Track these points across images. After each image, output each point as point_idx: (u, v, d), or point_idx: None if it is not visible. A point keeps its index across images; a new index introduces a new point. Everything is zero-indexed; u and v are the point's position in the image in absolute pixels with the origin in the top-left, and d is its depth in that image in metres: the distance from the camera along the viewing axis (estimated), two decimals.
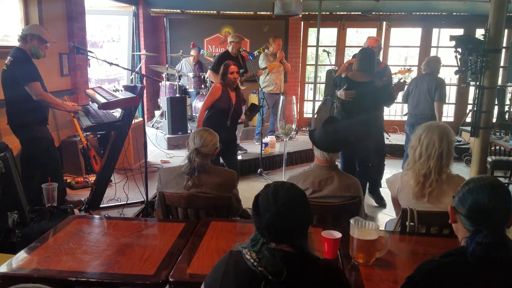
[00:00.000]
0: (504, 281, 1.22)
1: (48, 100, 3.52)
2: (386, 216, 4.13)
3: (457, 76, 6.41)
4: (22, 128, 3.55)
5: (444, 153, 2.19)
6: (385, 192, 5.08)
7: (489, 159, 4.64)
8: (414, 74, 7.41)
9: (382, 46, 5.56)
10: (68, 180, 4.39)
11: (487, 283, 1.22)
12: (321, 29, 6.37)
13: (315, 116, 6.70)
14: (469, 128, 4.40)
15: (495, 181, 1.34)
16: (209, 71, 5.52)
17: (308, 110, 8.42)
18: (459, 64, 5.02)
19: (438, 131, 2.22)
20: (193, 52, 7.00)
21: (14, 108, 3.51)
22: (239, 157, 5.62)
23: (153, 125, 6.80)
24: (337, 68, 7.53)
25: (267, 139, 6.04)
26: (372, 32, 8.09)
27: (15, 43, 3.63)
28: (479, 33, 7.05)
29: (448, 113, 8.39)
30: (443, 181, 2.21)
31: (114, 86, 4.12)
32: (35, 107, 3.48)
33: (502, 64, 5.89)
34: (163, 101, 6.45)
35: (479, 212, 1.29)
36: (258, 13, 7.67)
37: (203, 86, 6.78)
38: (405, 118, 5.28)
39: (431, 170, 2.20)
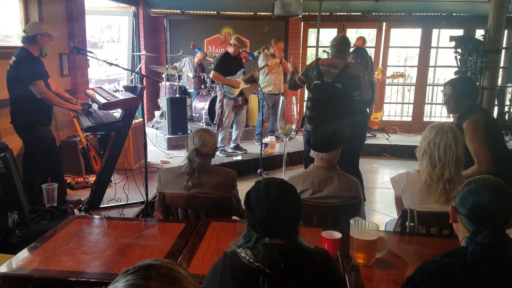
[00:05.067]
0: (504, 281, 1.22)
1: (50, 98, 3.54)
2: (386, 217, 4.13)
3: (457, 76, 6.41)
4: (25, 127, 3.57)
5: (460, 156, 2.17)
6: (382, 196, 5.09)
7: None
8: (409, 77, 7.40)
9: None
10: (68, 181, 4.38)
11: (487, 283, 1.22)
12: (321, 30, 6.38)
13: None
14: None
15: (496, 181, 1.34)
16: (213, 72, 5.44)
17: None
18: (459, 65, 5.02)
19: (452, 134, 2.18)
20: (199, 55, 7.00)
21: (18, 107, 3.53)
22: (239, 158, 5.62)
23: (153, 126, 6.80)
24: None
25: (267, 139, 6.05)
26: (372, 32, 8.10)
27: (16, 43, 3.63)
28: (479, 33, 7.05)
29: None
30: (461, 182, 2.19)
31: (114, 87, 4.12)
32: (39, 107, 3.50)
33: (502, 64, 5.89)
34: (163, 102, 6.45)
35: (479, 212, 1.29)
36: (258, 13, 7.67)
37: (203, 86, 6.78)
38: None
39: (451, 173, 2.15)
